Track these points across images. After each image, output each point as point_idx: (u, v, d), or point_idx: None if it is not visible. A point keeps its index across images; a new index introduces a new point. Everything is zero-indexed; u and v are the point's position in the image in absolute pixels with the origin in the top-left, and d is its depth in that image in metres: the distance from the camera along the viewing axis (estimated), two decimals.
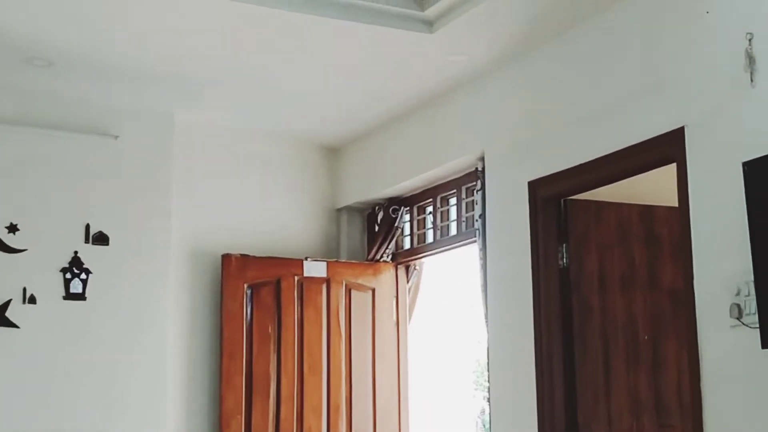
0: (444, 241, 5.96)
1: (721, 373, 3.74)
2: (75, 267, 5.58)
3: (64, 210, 5.61)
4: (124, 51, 5.01)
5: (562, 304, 4.76)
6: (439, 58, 5.04)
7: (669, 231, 4.80)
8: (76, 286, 5.57)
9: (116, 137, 5.75)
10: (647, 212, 4.93)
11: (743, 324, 3.58)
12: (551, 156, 4.74)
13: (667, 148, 4.04)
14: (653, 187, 4.77)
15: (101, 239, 5.67)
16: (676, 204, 4.03)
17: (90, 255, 5.62)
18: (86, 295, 5.59)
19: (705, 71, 3.89)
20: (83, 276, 5.59)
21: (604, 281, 4.84)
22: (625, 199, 4.91)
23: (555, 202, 4.83)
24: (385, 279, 6.32)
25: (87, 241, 5.64)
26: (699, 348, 3.83)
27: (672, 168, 4.04)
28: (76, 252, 5.60)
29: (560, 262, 4.79)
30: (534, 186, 4.84)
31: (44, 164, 5.59)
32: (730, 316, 3.64)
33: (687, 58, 4.00)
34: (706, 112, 3.87)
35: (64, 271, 5.56)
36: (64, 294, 5.54)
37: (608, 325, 4.82)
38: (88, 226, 5.65)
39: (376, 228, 6.35)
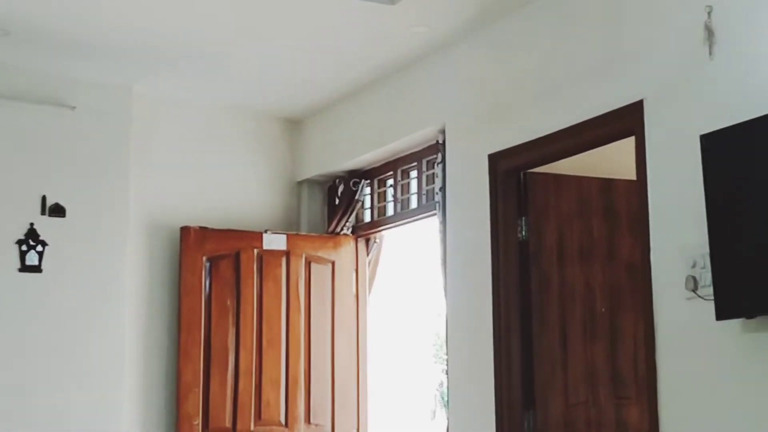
0: (404, 214, 5.96)
1: (677, 344, 3.78)
2: (31, 239, 5.51)
3: (20, 181, 5.53)
4: (82, 21, 4.93)
5: (521, 277, 4.79)
6: (401, 30, 5.02)
7: (627, 204, 4.84)
8: (32, 258, 5.51)
9: (73, 108, 5.67)
10: (606, 185, 4.96)
11: (698, 296, 3.62)
12: (511, 129, 4.74)
13: (626, 121, 4.06)
14: (613, 161, 4.79)
15: (58, 211, 5.60)
16: (634, 177, 4.06)
17: (46, 227, 5.55)
18: (42, 268, 5.52)
19: (664, 44, 3.91)
20: (39, 248, 5.52)
21: (562, 254, 4.87)
22: (585, 172, 4.93)
23: (515, 175, 4.84)
24: (345, 252, 6.31)
25: (43, 212, 5.57)
26: (654, 320, 3.87)
27: (631, 141, 4.06)
28: (32, 224, 5.53)
29: (519, 235, 4.81)
30: (494, 159, 4.85)
31: None
32: (686, 288, 3.67)
33: (646, 31, 4.02)
34: (664, 85, 3.89)
35: (19, 243, 5.49)
36: (19, 266, 5.47)
37: (566, 298, 4.86)
38: (44, 198, 5.58)
39: (337, 201, 6.34)
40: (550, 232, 4.85)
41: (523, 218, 4.82)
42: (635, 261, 4.34)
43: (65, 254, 5.59)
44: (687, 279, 3.67)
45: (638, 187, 3.99)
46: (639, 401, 4.67)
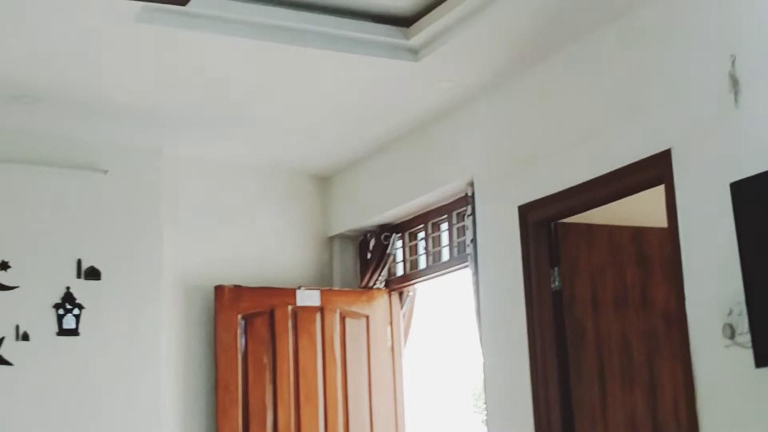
0: (436, 266, 5.96)
1: (716, 392, 3.75)
2: (68, 302, 5.57)
3: (56, 246, 5.59)
4: (111, 87, 5.02)
5: (556, 327, 4.76)
6: (426, 86, 5.06)
7: (660, 252, 4.81)
8: (69, 322, 5.56)
9: (105, 172, 5.75)
10: (638, 234, 4.94)
11: (736, 344, 3.58)
12: (540, 180, 4.75)
13: (655, 170, 4.06)
14: (644, 209, 4.78)
15: (93, 274, 5.66)
16: (666, 225, 4.04)
17: (82, 290, 5.61)
18: (79, 331, 5.57)
19: (690, 93, 3.91)
20: (76, 311, 5.58)
21: (597, 303, 4.84)
22: (616, 221, 4.92)
23: (545, 226, 4.83)
24: (378, 305, 6.31)
25: (79, 276, 5.63)
26: (693, 368, 3.83)
27: (661, 189, 4.06)
28: (68, 287, 5.58)
29: (553, 285, 4.79)
30: (524, 210, 4.85)
31: (34, 201, 5.58)
32: (723, 335, 3.64)
33: (671, 81, 4.03)
34: (691, 133, 3.89)
35: (56, 306, 5.54)
36: (57, 330, 5.52)
37: (602, 346, 4.82)
38: (79, 262, 5.64)
39: (369, 255, 6.35)
40: (583, 282, 4.83)
41: (556, 268, 4.81)
42: (670, 308, 4.32)
43: (101, 317, 5.63)
44: (724, 327, 3.64)
45: (670, 235, 3.98)
46: None
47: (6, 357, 5.36)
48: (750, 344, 3.45)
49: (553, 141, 4.69)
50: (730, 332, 3.61)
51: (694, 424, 3.82)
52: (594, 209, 4.65)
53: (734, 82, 3.63)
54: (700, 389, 3.81)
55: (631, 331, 4.85)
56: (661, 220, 4.21)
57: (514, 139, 5.00)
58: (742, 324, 3.54)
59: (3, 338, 5.37)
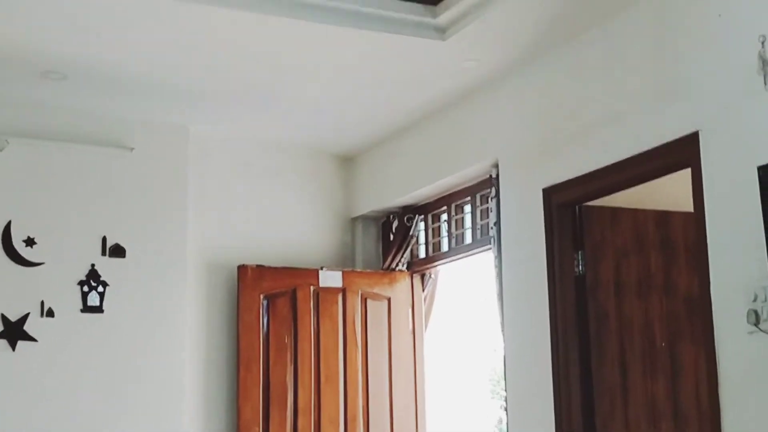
0: (459, 248, 5.95)
1: (740, 379, 3.71)
2: (92, 280, 5.60)
3: (81, 223, 5.63)
4: (139, 64, 5.03)
5: (579, 311, 4.74)
6: (452, 65, 5.04)
7: (685, 236, 4.78)
8: (93, 299, 5.59)
9: (132, 149, 5.78)
10: (663, 218, 4.90)
11: (761, 330, 3.55)
12: (565, 162, 4.72)
13: (682, 153, 4.02)
14: (669, 193, 4.75)
15: (118, 252, 5.69)
16: (691, 209, 4.01)
17: (107, 267, 5.64)
18: (104, 308, 5.61)
19: (718, 75, 3.87)
20: (100, 289, 5.61)
21: (620, 288, 4.81)
22: (641, 204, 4.89)
23: (570, 209, 4.81)
24: (400, 288, 6.31)
25: (104, 253, 5.66)
26: (716, 354, 3.79)
27: (687, 173, 4.02)
28: (93, 265, 5.62)
29: (576, 269, 4.77)
30: (548, 193, 4.83)
31: (60, 177, 5.62)
32: (748, 322, 3.60)
33: (700, 62, 3.98)
34: (719, 116, 3.84)
35: (81, 284, 5.58)
36: (81, 307, 5.56)
37: (625, 331, 4.79)
38: (104, 239, 5.67)
39: (391, 237, 6.35)
40: (606, 266, 4.80)
41: (580, 252, 4.78)
42: (693, 294, 4.28)
43: (125, 294, 5.67)
44: (748, 313, 3.60)
45: (696, 219, 3.94)
46: None
47: (31, 333, 5.41)
48: None
49: (579, 123, 4.66)
50: (755, 318, 3.58)
51: (716, 410, 3.79)
52: (619, 192, 4.62)
53: (764, 64, 3.57)
54: (722, 376, 3.77)
55: (653, 316, 4.82)
56: (686, 205, 4.17)
57: (539, 120, 4.97)
58: (767, 310, 3.51)
59: (28, 314, 5.42)
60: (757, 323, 3.57)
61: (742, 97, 3.72)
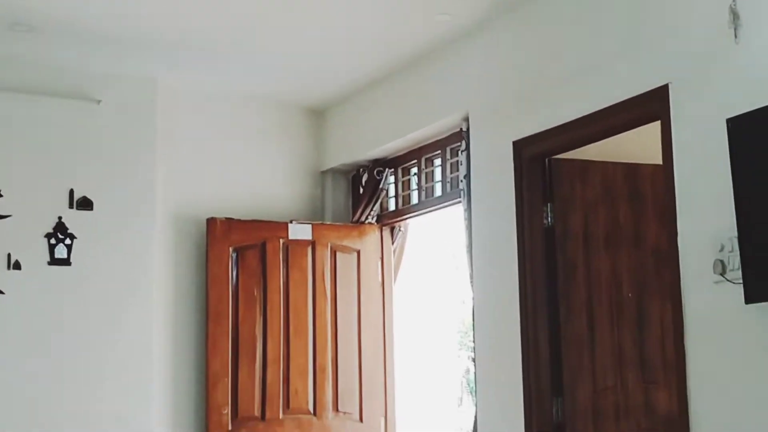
0: (429, 202, 5.98)
1: (705, 329, 3.78)
2: (59, 232, 5.57)
3: (48, 175, 5.58)
4: (106, 15, 4.96)
5: (547, 264, 4.79)
6: (424, 19, 5.02)
7: (653, 189, 4.82)
8: (60, 252, 5.56)
9: (99, 102, 5.72)
10: (632, 170, 4.95)
11: (727, 280, 3.61)
12: (535, 115, 4.74)
13: (651, 106, 4.05)
14: (638, 146, 4.78)
15: (85, 204, 5.65)
16: (660, 162, 4.05)
17: (74, 220, 5.61)
18: (71, 261, 5.58)
19: (689, 28, 3.89)
20: (68, 241, 5.58)
21: (588, 240, 4.87)
22: (610, 157, 4.92)
23: (540, 162, 4.84)
24: (370, 241, 6.33)
25: (71, 206, 5.63)
26: (683, 304, 3.86)
27: (657, 126, 4.06)
28: (60, 217, 5.58)
29: (545, 222, 4.82)
30: (518, 145, 4.85)
31: (27, 130, 5.55)
32: (714, 272, 3.67)
33: (671, 15, 4.00)
34: (690, 69, 3.88)
35: (48, 236, 5.54)
36: (48, 259, 5.53)
37: (593, 283, 4.86)
38: (72, 191, 5.63)
39: (361, 190, 6.36)
40: (575, 218, 4.85)
41: (549, 204, 4.83)
42: (661, 246, 4.34)
43: (93, 247, 5.64)
44: (715, 263, 3.66)
45: (665, 172, 3.98)
46: (667, 385, 4.68)
47: None
48: (740, 280, 3.48)
49: (549, 76, 4.67)
50: (721, 268, 3.64)
51: (681, 358, 3.86)
52: (589, 145, 4.65)
53: (735, 17, 3.60)
54: (688, 325, 3.84)
55: (621, 267, 4.88)
56: (655, 157, 4.21)
57: (510, 74, 4.98)
58: (734, 260, 3.57)
59: None
60: (723, 273, 3.63)
61: (713, 51, 3.75)
